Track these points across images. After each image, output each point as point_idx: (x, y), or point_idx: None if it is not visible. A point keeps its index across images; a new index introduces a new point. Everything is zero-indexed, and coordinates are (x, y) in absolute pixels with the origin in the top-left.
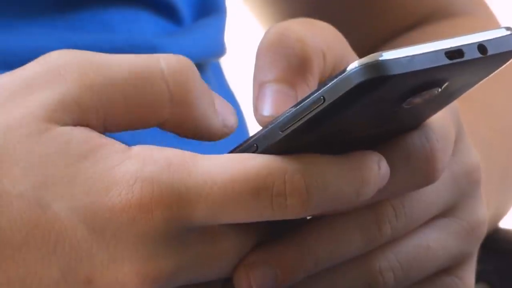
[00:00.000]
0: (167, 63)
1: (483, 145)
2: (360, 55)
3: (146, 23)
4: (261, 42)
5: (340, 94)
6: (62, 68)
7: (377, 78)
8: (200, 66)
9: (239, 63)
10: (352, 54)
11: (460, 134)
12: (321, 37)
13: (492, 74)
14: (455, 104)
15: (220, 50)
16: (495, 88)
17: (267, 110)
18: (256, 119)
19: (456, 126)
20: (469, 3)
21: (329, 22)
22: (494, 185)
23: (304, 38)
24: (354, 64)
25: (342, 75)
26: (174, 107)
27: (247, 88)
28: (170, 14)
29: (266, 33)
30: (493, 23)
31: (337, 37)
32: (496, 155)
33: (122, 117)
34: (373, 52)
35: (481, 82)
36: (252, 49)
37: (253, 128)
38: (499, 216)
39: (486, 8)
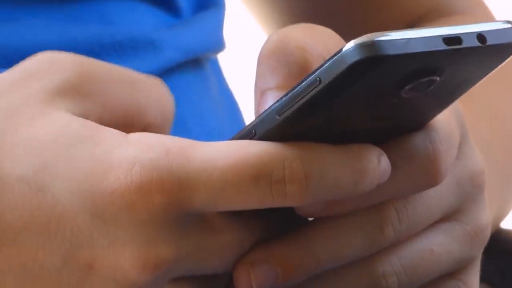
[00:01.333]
0: (156, 80)
1: (484, 146)
2: None
3: (145, 15)
4: (262, 50)
5: (336, 74)
6: (63, 60)
7: (372, 58)
8: (198, 61)
9: (237, 62)
10: None
11: (465, 138)
12: (322, 43)
13: (492, 72)
14: (459, 107)
15: (218, 44)
16: (496, 89)
17: None
18: None
19: (460, 130)
20: (467, 2)
21: (325, 21)
22: (496, 186)
23: (304, 45)
24: (350, 44)
25: (338, 55)
26: (156, 119)
27: (245, 86)
28: (169, 6)
29: (266, 40)
30: None
31: (338, 41)
32: (498, 156)
33: (114, 114)
34: None
35: (482, 81)
36: (249, 47)
37: None
38: (501, 217)
39: (484, 8)
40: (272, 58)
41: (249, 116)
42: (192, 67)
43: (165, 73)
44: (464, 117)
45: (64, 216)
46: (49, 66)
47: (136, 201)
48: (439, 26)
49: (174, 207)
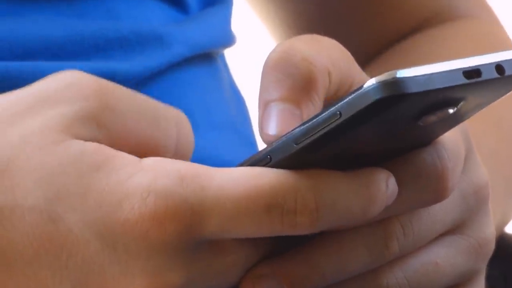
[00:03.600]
0: (180, 115)
1: (490, 154)
2: (365, 60)
3: (151, 10)
4: (266, 61)
5: (357, 110)
6: (83, 85)
7: (394, 96)
8: (208, 56)
9: (243, 60)
10: (358, 70)
11: (469, 152)
12: (326, 55)
13: (506, 95)
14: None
15: (227, 39)
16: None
17: (273, 129)
18: (262, 138)
19: (465, 144)
20: (472, 5)
21: (329, 23)
22: (500, 194)
23: (309, 57)
24: (372, 81)
25: (359, 91)
26: (176, 156)
27: (251, 85)
28: (176, 2)
29: (271, 52)
30: (496, 26)
31: (343, 54)
32: (503, 164)
33: (129, 148)
34: (377, 57)
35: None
36: (255, 46)
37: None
38: (505, 223)
39: (489, 11)
40: (276, 70)
41: (254, 114)
42: (201, 62)
43: (172, 68)
44: (470, 126)
45: (76, 245)
46: (69, 91)
47: (149, 230)
48: (443, 41)
49: (186, 235)
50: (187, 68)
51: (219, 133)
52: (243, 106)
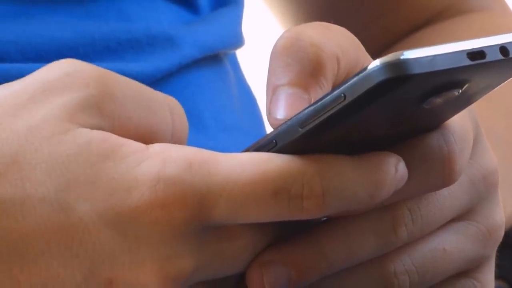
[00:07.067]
0: (172, 101)
1: (499, 143)
2: (377, 52)
3: (162, 12)
4: (275, 46)
5: (361, 92)
6: (84, 74)
7: (398, 77)
8: (217, 57)
9: (255, 58)
10: (368, 58)
11: (478, 137)
12: (335, 41)
13: None
14: (472, 106)
15: (237, 41)
16: (509, 86)
17: (281, 113)
18: (270, 123)
19: (474, 129)
20: None
21: (343, 18)
22: (511, 183)
23: (318, 43)
24: (376, 63)
25: (363, 73)
26: (173, 141)
27: (263, 83)
28: (187, 3)
29: (279, 37)
30: (509, 18)
31: (352, 41)
32: None
33: (129, 134)
34: (389, 50)
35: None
36: (267, 44)
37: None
38: None
39: (502, 3)
40: (285, 55)
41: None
42: (210, 63)
43: (182, 70)
44: (479, 114)
45: (87, 234)
46: (70, 79)
47: (158, 217)
48: (456, 33)
49: (195, 221)
50: (196, 70)
51: (228, 135)
52: (253, 106)
